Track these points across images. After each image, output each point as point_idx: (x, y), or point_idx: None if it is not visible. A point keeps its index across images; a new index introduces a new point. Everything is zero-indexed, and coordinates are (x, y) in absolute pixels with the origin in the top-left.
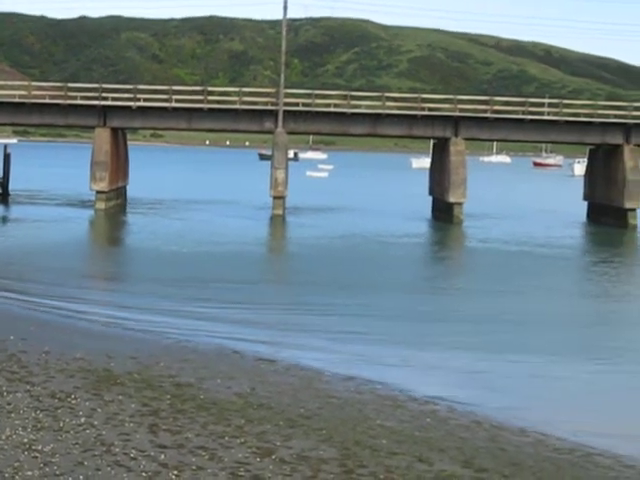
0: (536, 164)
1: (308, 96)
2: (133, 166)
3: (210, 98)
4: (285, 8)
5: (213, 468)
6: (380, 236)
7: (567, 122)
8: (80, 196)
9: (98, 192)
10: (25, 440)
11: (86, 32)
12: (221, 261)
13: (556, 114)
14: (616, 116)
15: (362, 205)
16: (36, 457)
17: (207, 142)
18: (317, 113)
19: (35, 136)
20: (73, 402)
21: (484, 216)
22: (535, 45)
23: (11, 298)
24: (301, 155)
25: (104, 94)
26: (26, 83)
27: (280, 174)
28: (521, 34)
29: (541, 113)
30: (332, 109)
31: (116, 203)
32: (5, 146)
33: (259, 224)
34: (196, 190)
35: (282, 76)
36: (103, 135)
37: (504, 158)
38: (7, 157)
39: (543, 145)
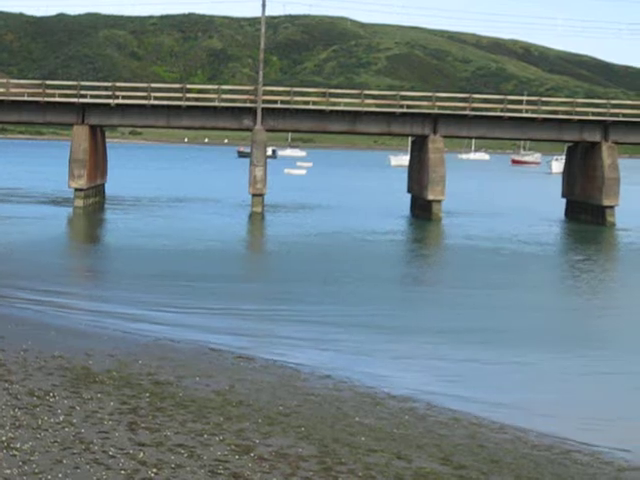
0: (514, 161)
1: (287, 93)
2: (112, 164)
3: (189, 95)
4: (264, 6)
5: (192, 466)
6: (359, 234)
7: (545, 119)
8: (58, 194)
9: (76, 190)
10: (3, 438)
11: (64, 29)
12: (200, 259)
13: (534, 112)
14: (594, 114)
15: (340, 203)
16: (15, 455)
17: (186, 139)
18: (296, 110)
19: (13, 134)
20: (52, 400)
21: (463, 214)
22: (514, 43)
23: None
24: (280, 152)
25: (82, 91)
26: (4, 81)
27: (259, 171)
28: (500, 32)
29: (519, 111)
30: (311, 107)
31: (94, 201)
32: None
33: (238, 222)
34: (175, 188)
35: (261, 73)
36: (81, 132)
37: (482, 155)
38: None
39: (521, 142)
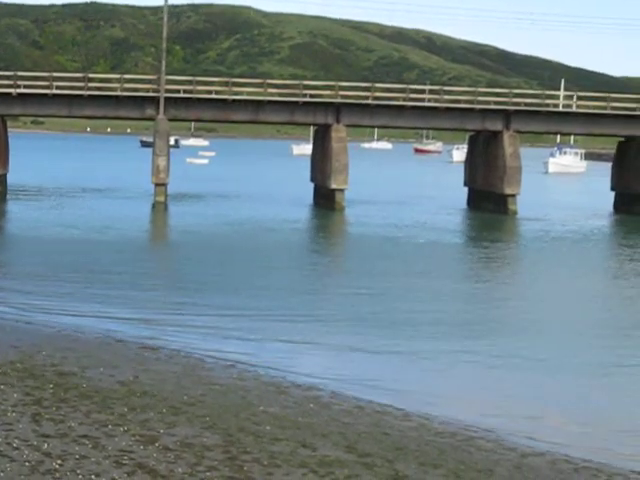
0: (417, 150)
1: (189, 83)
2: (13, 154)
3: (91, 85)
4: None
5: (97, 457)
6: (260, 223)
7: (448, 109)
8: None
9: None
10: None
11: None
12: (102, 249)
13: (437, 101)
14: (496, 103)
15: (243, 192)
16: None
17: (88, 129)
18: (198, 100)
19: None
20: None
21: (365, 202)
22: (417, 32)
23: None
24: (182, 142)
25: None
26: None
27: (161, 161)
28: (403, 22)
29: (422, 100)
30: (213, 96)
31: None
32: None
33: (141, 211)
34: (77, 178)
35: (163, 63)
36: None
37: (385, 144)
38: None
39: (424, 131)
